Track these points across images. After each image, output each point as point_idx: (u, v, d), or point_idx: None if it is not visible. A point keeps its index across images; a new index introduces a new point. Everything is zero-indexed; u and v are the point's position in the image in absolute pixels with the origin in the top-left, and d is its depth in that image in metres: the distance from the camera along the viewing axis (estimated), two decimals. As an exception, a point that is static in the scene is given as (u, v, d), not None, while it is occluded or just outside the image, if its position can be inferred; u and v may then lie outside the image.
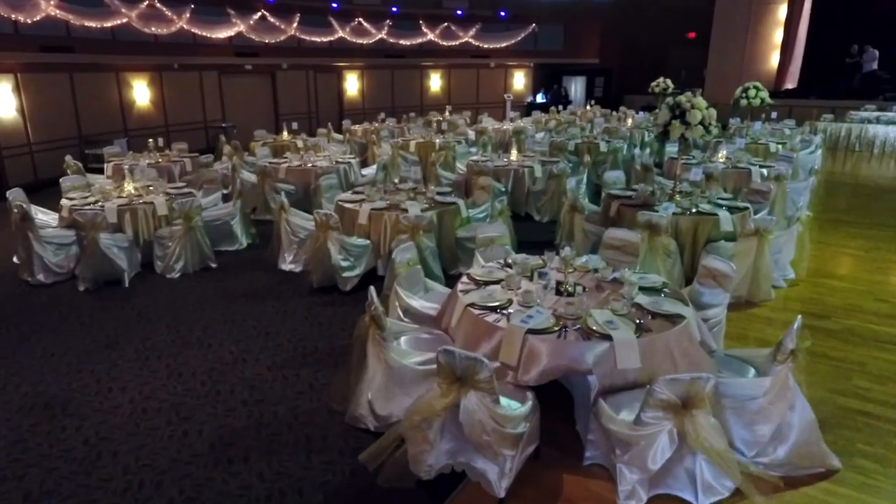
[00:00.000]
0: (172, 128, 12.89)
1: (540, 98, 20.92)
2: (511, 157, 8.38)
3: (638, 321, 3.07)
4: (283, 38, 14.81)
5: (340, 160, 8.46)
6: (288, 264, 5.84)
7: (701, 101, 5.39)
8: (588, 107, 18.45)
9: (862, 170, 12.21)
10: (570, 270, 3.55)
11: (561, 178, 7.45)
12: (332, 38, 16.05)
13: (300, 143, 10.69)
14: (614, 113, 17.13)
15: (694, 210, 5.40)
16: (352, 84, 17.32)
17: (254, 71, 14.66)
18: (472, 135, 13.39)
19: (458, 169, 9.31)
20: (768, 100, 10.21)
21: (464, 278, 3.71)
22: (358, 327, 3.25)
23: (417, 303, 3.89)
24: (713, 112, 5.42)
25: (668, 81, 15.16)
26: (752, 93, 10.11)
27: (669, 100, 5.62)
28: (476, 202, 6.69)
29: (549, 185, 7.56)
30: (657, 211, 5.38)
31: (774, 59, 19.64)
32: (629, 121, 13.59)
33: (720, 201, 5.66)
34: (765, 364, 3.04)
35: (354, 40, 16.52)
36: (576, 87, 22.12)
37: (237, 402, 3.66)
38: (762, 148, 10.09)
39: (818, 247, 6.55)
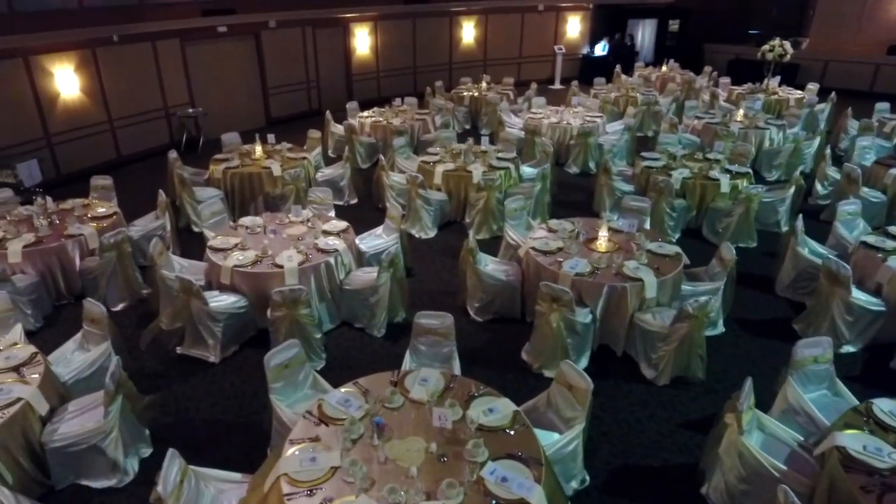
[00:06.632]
0: (119, 123, 9.64)
1: (600, 49, 16.80)
2: (599, 243, 5.11)
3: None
4: (267, -14, 11.18)
5: (325, 247, 5.20)
6: None
7: None
8: (664, 67, 14.50)
9: None
10: None
11: (694, 335, 4.18)
12: (334, -17, 12.33)
13: (276, 170, 7.46)
14: (699, 82, 13.18)
15: None
16: (362, 41, 13.55)
17: (230, 34, 11.09)
18: (517, 128, 9.90)
19: (507, 234, 5.99)
20: None
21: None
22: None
23: None
24: None
25: (787, 45, 11.17)
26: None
27: None
28: None
29: (676, 329, 4.29)
30: None
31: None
32: (739, 112, 9.79)
33: None
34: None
35: (364, -16, 12.74)
36: (643, 32, 17.80)
37: None
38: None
39: None
